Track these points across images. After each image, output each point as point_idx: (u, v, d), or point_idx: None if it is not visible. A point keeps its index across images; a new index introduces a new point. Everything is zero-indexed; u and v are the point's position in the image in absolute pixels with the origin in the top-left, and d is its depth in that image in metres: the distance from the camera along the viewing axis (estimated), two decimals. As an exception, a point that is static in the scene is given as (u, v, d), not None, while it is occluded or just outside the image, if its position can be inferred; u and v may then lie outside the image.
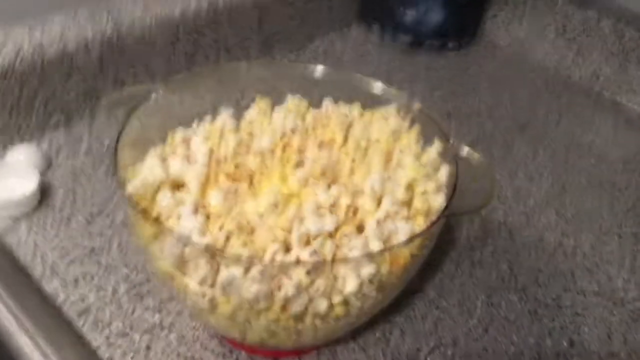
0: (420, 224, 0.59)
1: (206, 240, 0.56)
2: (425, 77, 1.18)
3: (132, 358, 0.67)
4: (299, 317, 0.57)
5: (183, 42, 1.03)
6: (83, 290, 0.73)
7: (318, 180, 0.61)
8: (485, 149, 1.01)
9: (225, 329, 0.63)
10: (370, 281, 0.56)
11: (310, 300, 0.55)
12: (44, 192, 0.83)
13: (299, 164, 0.62)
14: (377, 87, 0.74)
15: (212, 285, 0.56)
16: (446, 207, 0.58)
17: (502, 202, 0.92)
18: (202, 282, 0.56)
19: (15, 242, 0.77)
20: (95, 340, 0.68)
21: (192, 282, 0.56)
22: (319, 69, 0.77)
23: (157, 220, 0.59)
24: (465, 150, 0.65)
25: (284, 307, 0.56)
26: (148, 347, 0.68)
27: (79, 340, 0.68)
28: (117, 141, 0.61)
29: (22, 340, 0.67)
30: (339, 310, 0.57)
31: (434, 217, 0.59)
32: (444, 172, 0.64)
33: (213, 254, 0.54)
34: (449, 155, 0.65)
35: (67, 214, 0.82)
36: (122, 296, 0.73)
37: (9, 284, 0.72)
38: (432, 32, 1.23)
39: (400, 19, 1.22)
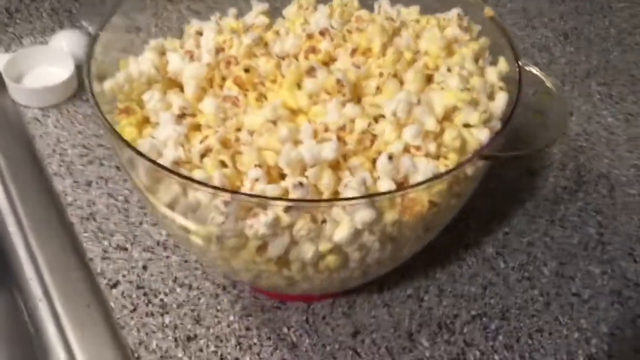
0: (449, 165, 0.45)
1: (177, 154, 0.46)
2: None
3: (124, 276, 0.60)
4: (282, 263, 0.46)
5: None
6: (93, 195, 0.66)
7: (333, 95, 0.48)
8: (603, 82, 0.82)
9: (207, 263, 0.54)
10: (370, 230, 0.43)
11: (293, 243, 0.44)
12: (81, 84, 0.77)
13: (312, 71, 0.49)
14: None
15: (184, 213, 0.46)
16: (486, 145, 0.44)
17: (611, 148, 0.74)
18: (171, 204, 0.46)
19: (39, 133, 0.72)
20: (92, 251, 0.61)
21: (160, 203, 0.47)
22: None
23: (134, 121, 0.50)
24: (538, 74, 0.50)
25: (261, 248, 0.45)
26: (144, 267, 0.60)
27: (75, 249, 0.62)
28: (103, 25, 0.52)
29: (16, 240, 0.62)
30: (331, 260, 0.45)
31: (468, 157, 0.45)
32: (500, 101, 0.48)
33: (172, 172, 0.44)
34: (514, 80, 0.50)
35: (100, 110, 0.75)
36: (132, 207, 0.65)
37: (19, 179, 0.67)
38: None
39: None
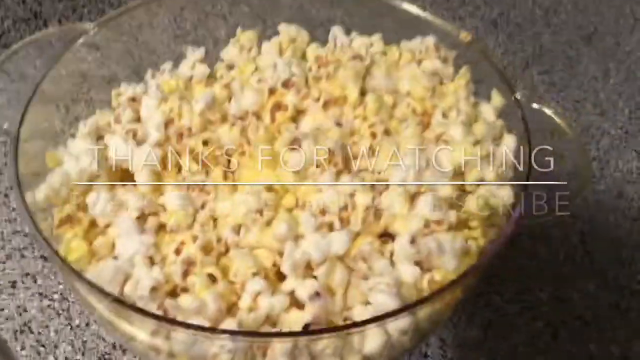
0: (476, 235, 0.40)
1: (154, 278, 0.37)
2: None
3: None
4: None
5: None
6: (22, 299, 0.55)
7: (324, 167, 0.41)
8: (543, 71, 0.79)
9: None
10: (404, 333, 0.37)
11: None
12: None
13: (295, 142, 0.41)
14: (406, 7, 0.52)
15: (169, 337, 0.38)
16: (519, 212, 0.38)
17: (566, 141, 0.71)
18: (154, 333, 0.38)
19: None
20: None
21: (140, 333, 0.38)
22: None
23: (81, 231, 0.40)
24: (539, 109, 0.45)
25: (274, 372, 0.37)
26: (106, 379, 0.51)
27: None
28: (23, 114, 0.41)
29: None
30: (356, 369, 0.39)
31: (502, 224, 0.39)
32: (509, 146, 0.43)
33: (160, 306, 0.35)
34: (514, 117, 0.44)
35: None
36: (73, 306, 0.55)
37: None
38: None
39: None
